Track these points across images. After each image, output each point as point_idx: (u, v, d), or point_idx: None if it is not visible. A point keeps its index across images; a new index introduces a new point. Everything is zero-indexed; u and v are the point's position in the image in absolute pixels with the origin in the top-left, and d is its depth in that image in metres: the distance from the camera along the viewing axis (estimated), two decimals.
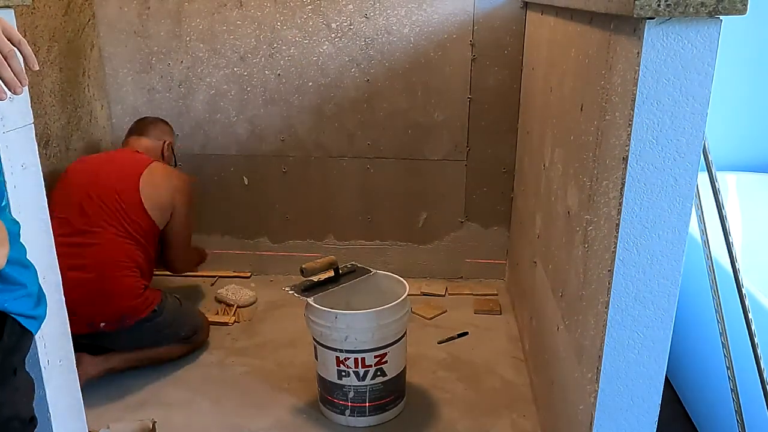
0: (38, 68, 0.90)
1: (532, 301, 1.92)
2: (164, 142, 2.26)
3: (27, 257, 0.93)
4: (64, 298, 1.34)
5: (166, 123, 2.34)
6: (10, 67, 0.85)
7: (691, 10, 0.88)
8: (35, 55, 0.92)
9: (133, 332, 1.90)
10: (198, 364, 2.07)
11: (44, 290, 1.00)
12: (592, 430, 1.17)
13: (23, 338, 0.90)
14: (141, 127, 2.26)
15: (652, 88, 0.95)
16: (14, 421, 0.90)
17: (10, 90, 0.85)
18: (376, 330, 1.67)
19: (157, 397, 1.90)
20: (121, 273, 1.89)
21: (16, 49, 0.87)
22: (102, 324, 1.85)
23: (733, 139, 2.34)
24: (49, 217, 1.29)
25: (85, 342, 1.82)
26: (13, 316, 0.87)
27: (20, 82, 0.86)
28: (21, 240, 0.94)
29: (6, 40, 0.85)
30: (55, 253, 1.31)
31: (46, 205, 1.28)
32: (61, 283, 1.33)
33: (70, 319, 1.42)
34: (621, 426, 1.16)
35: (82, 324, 1.76)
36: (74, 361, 1.39)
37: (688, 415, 1.83)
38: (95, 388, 1.87)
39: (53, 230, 1.83)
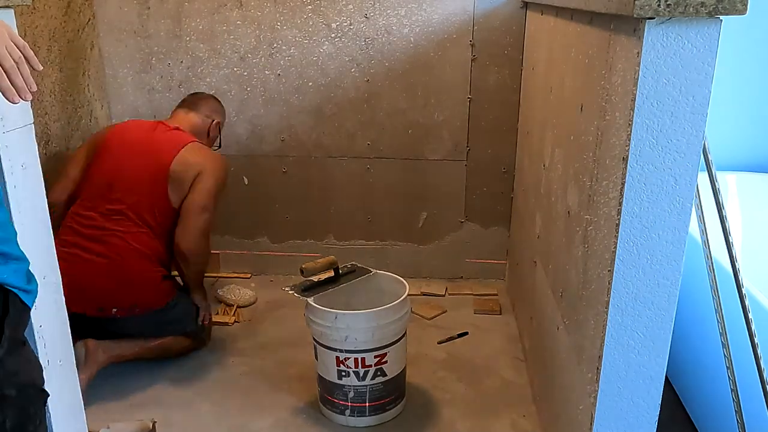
0: (42, 68, 0.92)
1: (532, 301, 1.92)
2: (213, 121, 2.17)
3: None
4: (64, 299, 1.34)
5: (219, 102, 2.25)
6: (20, 73, 0.87)
7: (691, 10, 0.88)
8: (35, 55, 0.94)
9: (142, 321, 1.92)
10: (198, 364, 2.07)
11: (44, 291, 1.00)
12: (592, 430, 1.17)
13: (24, 312, 0.93)
14: (192, 101, 2.18)
15: (652, 88, 0.95)
16: (30, 389, 0.91)
17: (21, 96, 0.89)
18: (376, 330, 1.67)
19: (157, 397, 1.90)
20: (141, 264, 1.91)
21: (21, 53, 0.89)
22: (114, 310, 1.87)
23: (733, 139, 2.34)
24: (48, 218, 1.29)
25: (88, 325, 1.85)
26: (13, 290, 0.89)
27: (30, 88, 0.89)
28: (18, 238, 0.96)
29: (14, 46, 0.87)
30: (55, 253, 1.31)
31: (46, 206, 1.28)
32: (61, 284, 1.33)
33: (80, 300, 1.42)
34: (621, 426, 1.16)
35: (92, 307, 1.83)
36: (74, 362, 1.39)
37: (688, 416, 1.83)
38: (95, 388, 1.87)
39: (78, 209, 1.95)
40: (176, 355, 2.06)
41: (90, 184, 1.99)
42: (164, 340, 2.00)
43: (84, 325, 1.82)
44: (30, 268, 0.95)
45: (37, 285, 0.96)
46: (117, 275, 1.88)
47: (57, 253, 1.30)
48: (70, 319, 1.36)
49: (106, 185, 1.96)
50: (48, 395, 0.98)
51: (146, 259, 1.92)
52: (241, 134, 2.54)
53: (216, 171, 1.99)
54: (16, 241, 0.94)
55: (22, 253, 0.94)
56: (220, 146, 2.26)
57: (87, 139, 2.21)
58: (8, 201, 1.12)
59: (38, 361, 0.99)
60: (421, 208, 2.59)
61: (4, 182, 1.13)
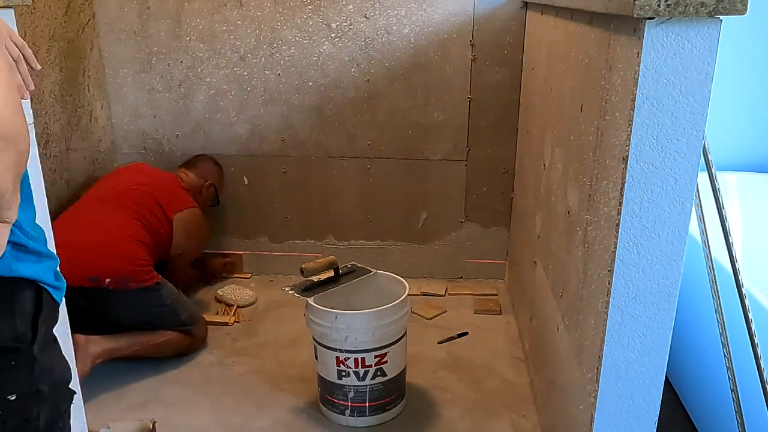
0: (40, 68, 0.92)
1: (532, 301, 1.92)
2: (206, 182, 2.42)
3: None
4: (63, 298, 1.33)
5: (217, 165, 2.51)
6: (19, 72, 0.86)
7: (691, 10, 0.88)
8: (35, 55, 0.94)
9: (135, 300, 1.93)
10: (198, 364, 2.07)
11: None
12: (592, 430, 1.17)
13: (55, 309, 0.93)
14: (193, 161, 2.48)
15: (652, 88, 0.95)
16: (62, 386, 0.92)
17: (19, 94, 0.87)
18: (376, 330, 1.67)
19: (157, 397, 1.90)
20: (130, 242, 1.99)
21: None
22: (108, 280, 1.87)
23: (733, 139, 2.34)
24: (49, 218, 1.29)
25: (83, 304, 1.85)
26: (46, 287, 0.90)
27: (27, 86, 0.89)
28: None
29: (14, 45, 0.87)
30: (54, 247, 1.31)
31: (46, 206, 1.28)
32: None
33: (73, 270, 1.55)
34: (621, 426, 1.16)
35: (84, 277, 1.85)
36: (74, 361, 1.39)
37: (688, 416, 1.83)
38: (95, 388, 1.87)
39: (87, 200, 2.09)
40: (174, 354, 2.06)
41: (95, 191, 2.16)
42: (160, 336, 2.00)
43: (80, 315, 1.84)
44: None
45: (64, 283, 0.96)
46: (107, 242, 1.94)
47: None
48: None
49: (114, 193, 2.11)
50: (75, 393, 0.99)
51: (136, 242, 2.00)
52: (241, 134, 2.54)
53: (195, 250, 2.40)
54: (45, 240, 0.94)
55: (52, 251, 0.94)
56: (218, 203, 2.50)
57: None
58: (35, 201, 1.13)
59: (66, 359, 1.00)
60: (421, 208, 2.59)
61: None
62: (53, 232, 1.92)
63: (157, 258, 2.12)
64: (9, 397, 0.81)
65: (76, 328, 1.95)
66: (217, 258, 2.66)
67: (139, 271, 1.93)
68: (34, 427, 0.84)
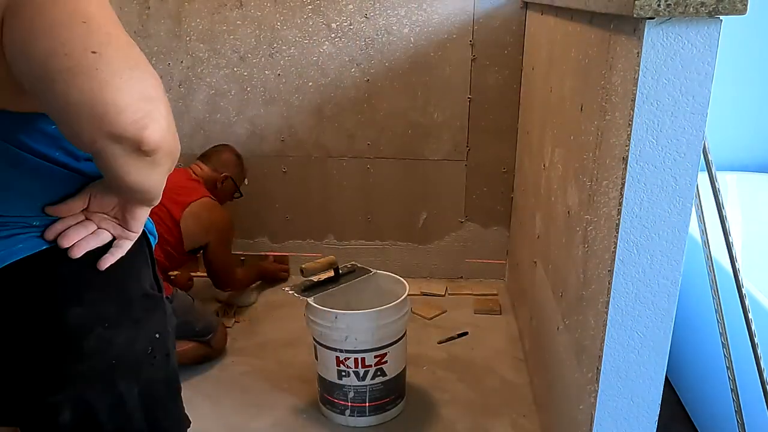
0: None
1: (532, 301, 1.92)
2: (222, 174, 2.31)
3: None
4: None
5: (235, 155, 2.40)
6: None
7: (691, 10, 0.88)
8: None
9: None
10: (198, 363, 2.07)
11: None
12: (592, 430, 1.17)
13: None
14: (208, 152, 2.37)
15: (652, 88, 0.95)
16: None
17: None
18: (376, 330, 1.67)
19: None
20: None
21: None
22: None
23: (733, 139, 2.34)
24: None
25: None
26: (150, 237, 0.98)
27: None
28: None
29: None
30: None
31: None
32: None
33: None
34: (621, 426, 1.16)
35: None
36: None
37: (688, 416, 1.83)
38: None
39: None
40: (191, 363, 2.01)
41: None
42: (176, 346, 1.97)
43: None
44: None
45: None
46: None
47: None
48: None
49: None
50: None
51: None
52: (241, 134, 2.54)
53: (220, 240, 2.20)
54: None
55: None
56: (241, 195, 2.41)
57: None
58: None
59: None
60: (421, 208, 2.59)
61: None
62: None
63: (173, 266, 2.09)
64: (156, 335, 0.93)
65: None
66: (268, 259, 2.67)
67: None
68: (172, 359, 0.98)
